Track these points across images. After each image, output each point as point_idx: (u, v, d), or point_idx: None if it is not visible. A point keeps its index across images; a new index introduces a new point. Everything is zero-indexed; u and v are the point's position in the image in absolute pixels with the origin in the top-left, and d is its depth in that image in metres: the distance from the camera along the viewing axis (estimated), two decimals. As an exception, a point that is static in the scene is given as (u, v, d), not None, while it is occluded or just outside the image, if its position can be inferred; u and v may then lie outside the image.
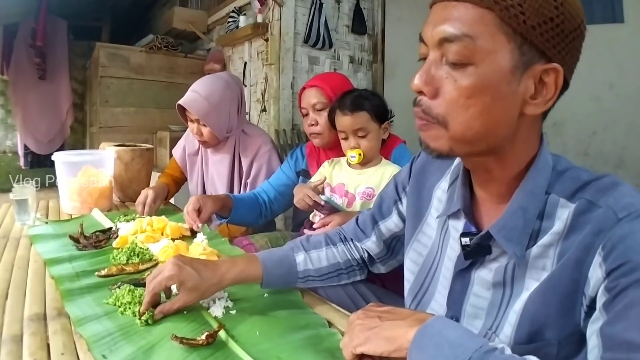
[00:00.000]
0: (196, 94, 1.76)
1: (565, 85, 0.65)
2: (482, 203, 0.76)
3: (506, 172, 0.70)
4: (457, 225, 0.79)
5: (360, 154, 1.45)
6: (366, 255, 1.05)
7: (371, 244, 1.03)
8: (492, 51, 0.60)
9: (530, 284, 0.67)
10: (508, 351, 0.56)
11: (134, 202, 1.70)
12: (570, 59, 0.63)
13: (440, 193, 0.87)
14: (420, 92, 0.66)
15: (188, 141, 2.02)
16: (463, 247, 0.74)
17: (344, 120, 1.45)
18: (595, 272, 0.59)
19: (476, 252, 0.73)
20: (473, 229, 0.75)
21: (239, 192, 1.90)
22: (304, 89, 1.72)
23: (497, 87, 0.61)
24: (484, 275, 0.73)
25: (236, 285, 0.99)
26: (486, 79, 0.61)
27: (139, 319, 0.82)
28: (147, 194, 1.65)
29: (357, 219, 1.07)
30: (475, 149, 0.67)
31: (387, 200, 1.01)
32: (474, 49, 0.60)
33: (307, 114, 1.68)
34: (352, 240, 1.06)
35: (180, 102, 1.76)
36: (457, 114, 0.63)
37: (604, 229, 0.60)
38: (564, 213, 0.65)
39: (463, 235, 0.74)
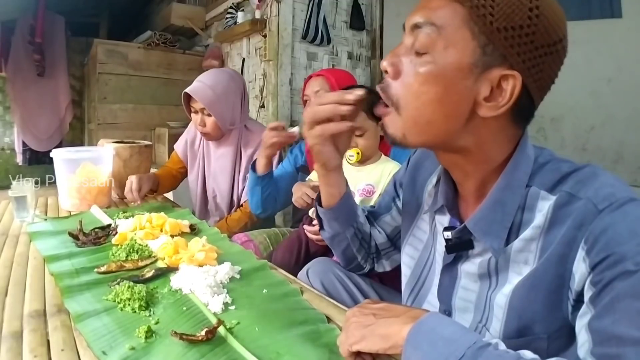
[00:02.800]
0: (202, 84, 1.81)
1: (532, 104, 0.65)
2: (464, 199, 0.78)
3: (477, 168, 0.71)
4: (443, 221, 0.80)
5: (358, 153, 1.46)
6: (374, 244, 1.05)
7: (376, 233, 1.04)
8: (453, 44, 0.62)
9: (513, 278, 0.68)
10: (502, 346, 0.57)
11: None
12: (537, 73, 0.63)
13: (431, 188, 0.88)
14: (386, 72, 0.69)
15: (190, 135, 2.04)
16: (446, 241, 0.75)
17: None
18: (580, 267, 0.59)
19: (459, 247, 0.74)
20: (458, 224, 0.76)
21: (241, 186, 1.91)
22: (310, 77, 1.78)
23: (451, 79, 0.63)
24: (469, 268, 0.74)
25: (235, 281, 1.00)
26: (442, 69, 0.63)
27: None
28: (131, 181, 1.72)
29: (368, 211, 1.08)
30: (425, 140, 0.69)
31: (387, 197, 1.03)
32: (437, 39, 0.63)
33: (307, 101, 1.74)
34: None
35: (186, 90, 1.80)
36: (410, 99, 0.66)
37: (585, 222, 0.60)
38: (544, 206, 0.65)
39: (446, 229, 0.76)
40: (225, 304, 0.88)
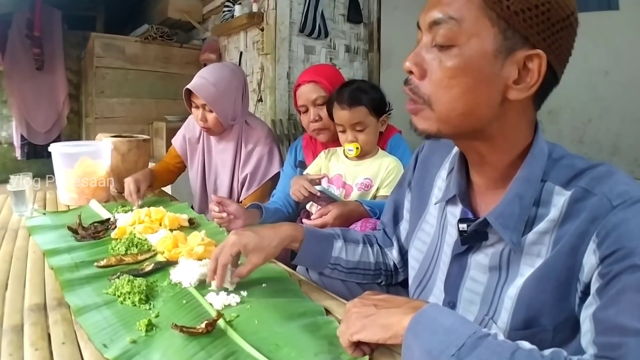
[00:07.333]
0: (204, 80, 1.78)
1: (555, 78, 0.66)
2: (478, 189, 0.78)
3: (499, 157, 0.72)
4: (455, 212, 0.80)
5: (357, 148, 1.46)
6: (392, 264, 1.05)
7: (395, 253, 1.03)
8: (475, 34, 0.63)
9: (525, 270, 0.68)
10: (501, 337, 0.58)
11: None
12: (557, 49, 0.64)
13: (441, 182, 0.88)
14: (411, 72, 0.69)
15: (188, 129, 2.02)
16: (460, 232, 0.75)
17: (342, 115, 1.45)
18: (590, 259, 0.61)
19: (473, 238, 0.75)
20: (470, 215, 0.77)
21: (240, 182, 1.91)
22: (298, 85, 1.68)
23: (479, 69, 0.63)
24: (480, 259, 0.74)
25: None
26: (469, 60, 0.63)
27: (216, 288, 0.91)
28: (128, 183, 1.66)
29: (384, 229, 1.07)
30: (460, 130, 0.69)
31: (401, 205, 1.03)
32: (459, 32, 0.63)
33: (306, 111, 1.66)
34: (382, 247, 1.06)
35: (188, 86, 1.78)
36: (441, 94, 0.66)
37: (599, 216, 0.61)
38: (559, 200, 0.66)
39: (461, 221, 0.76)
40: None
